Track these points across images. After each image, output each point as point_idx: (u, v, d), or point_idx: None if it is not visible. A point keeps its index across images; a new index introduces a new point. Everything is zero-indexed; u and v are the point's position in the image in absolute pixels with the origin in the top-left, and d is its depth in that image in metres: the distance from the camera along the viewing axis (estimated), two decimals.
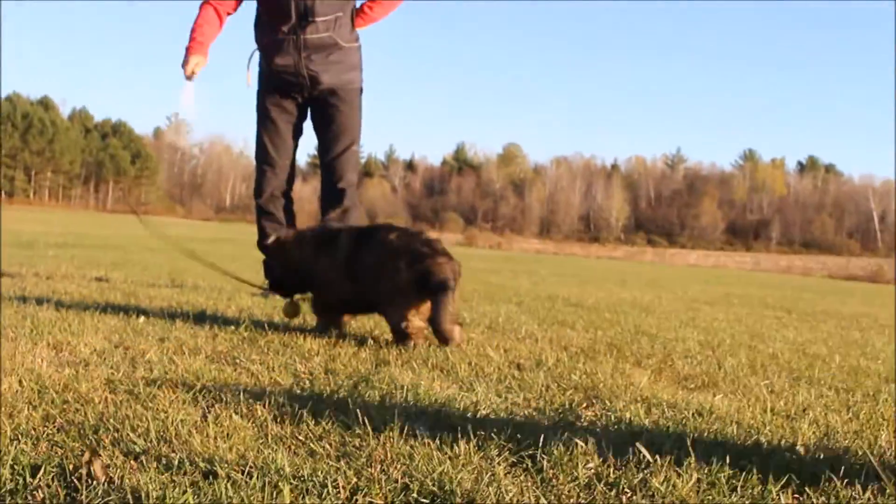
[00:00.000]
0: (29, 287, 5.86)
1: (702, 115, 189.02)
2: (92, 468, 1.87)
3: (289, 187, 6.01)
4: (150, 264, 10.29)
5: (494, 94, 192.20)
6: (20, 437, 2.10)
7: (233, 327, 4.14)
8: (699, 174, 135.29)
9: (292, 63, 5.72)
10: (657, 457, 2.19)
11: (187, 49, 5.72)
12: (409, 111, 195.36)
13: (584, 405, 2.85)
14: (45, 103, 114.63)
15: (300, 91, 5.81)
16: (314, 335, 4.04)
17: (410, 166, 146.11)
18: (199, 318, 4.50)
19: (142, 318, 4.28)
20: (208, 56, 5.79)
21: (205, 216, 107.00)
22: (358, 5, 5.92)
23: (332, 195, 5.83)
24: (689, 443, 2.33)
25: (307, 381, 2.96)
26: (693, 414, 2.83)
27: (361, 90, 5.95)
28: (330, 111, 5.85)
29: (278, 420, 2.39)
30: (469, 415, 2.59)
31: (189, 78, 5.72)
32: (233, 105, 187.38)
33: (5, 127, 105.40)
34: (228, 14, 5.87)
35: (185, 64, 5.67)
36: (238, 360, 3.26)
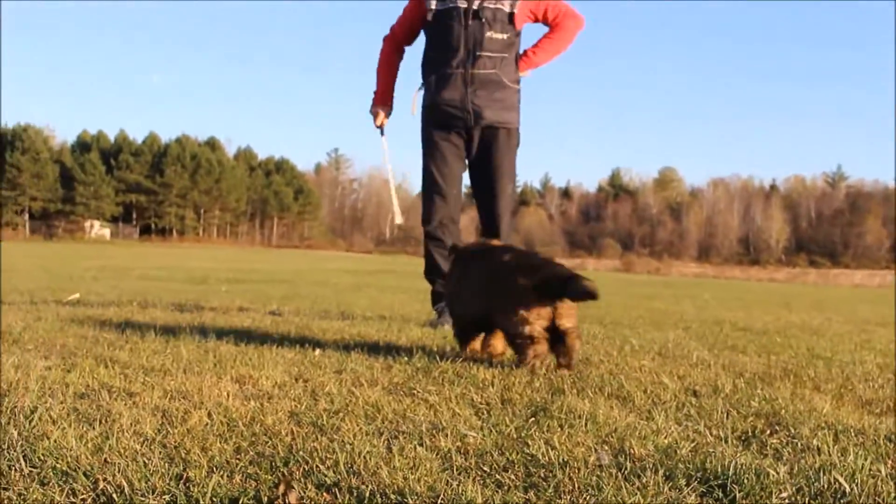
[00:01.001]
0: (207, 321, 6.04)
1: (864, 131, 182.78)
2: (288, 500, 1.90)
3: (457, 217, 6.11)
4: (318, 297, 10.50)
5: (648, 118, 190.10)
6: (215, 469, 2.15)
7: (406, 358, 4.17)
8: (862, 191, 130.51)
9: (458, 97, 5.87)
10: (853, 486, 2.10)
11: (373, 100, 6.22)
12: (564, 138, 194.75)
13: (768, 432, 2.76)
14: (212, 144, 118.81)
15: (464, 125, 5.93)
16: (486, 365, 4.03)
17: (566, 193, 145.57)
18: (373, 349, 4.55)
19: (317, 351, 4.36)
20: (392, 104, 6.27)
21: (365, 249, 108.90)
22: (522, 51, 6.02)
23: (489, 234, 5.93)
24: (884, 472, 2.22)
25: (485, 412, 2.95)
26: (883, 439, 2.70)
27: (519, 133, 6.04)
28: (490, 149, 5.98)
29: (461, 451, 2.38)
30: (651, 444, 2.53)
31: (380, 129, 6.27)
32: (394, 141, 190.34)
33: (175, 168, 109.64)
34: (407, 46, 6.17)
35: (373, 115, 6.22)
36: (415, 391, 3.27)
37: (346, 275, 24.56)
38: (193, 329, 5.33)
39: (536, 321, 3.85)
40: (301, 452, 2.31)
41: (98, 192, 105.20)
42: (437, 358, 4.22)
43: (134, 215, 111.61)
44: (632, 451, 2.41)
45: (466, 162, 6.08)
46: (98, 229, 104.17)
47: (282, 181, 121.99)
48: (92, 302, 8.50)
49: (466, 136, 5.99)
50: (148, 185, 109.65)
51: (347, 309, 7.66)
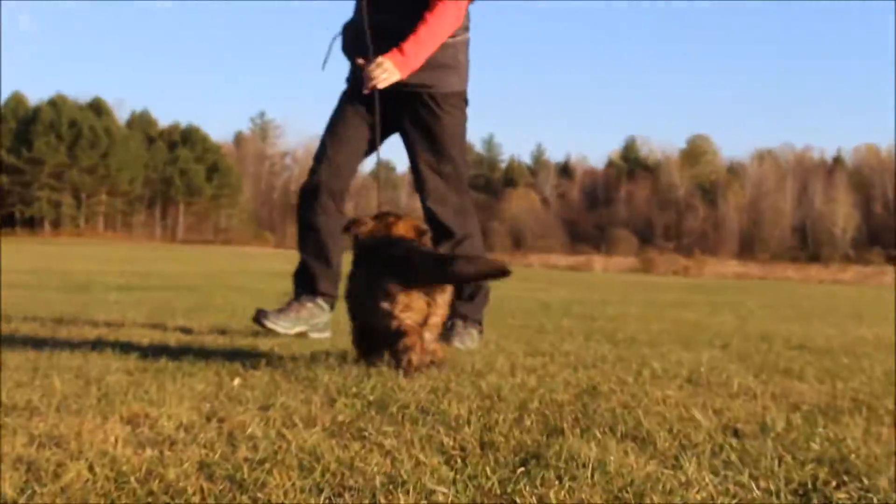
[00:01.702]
0: (90, 342, 5.99)
1: None
2: None
3: (337, 190, 6.60)
4: (238, 308, 10.47)
5: (673, 74, 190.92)
6: None
7: (354, 388, 4.16)
8: None
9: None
10: None
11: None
12: (562, 99, 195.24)
13: (834, 484, 2.77)
14: (98, 107, 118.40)
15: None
16: (460, 398, 4.03)
17: (566, 171, 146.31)
18: (310, 378, 4.53)
19: (237, 381, 4.34)
20: None
21: None
22: None
23: (437, 227, 6.34)
24: None
25: (459, 459, 2.94)
26: None
27: (463, 98, 6.38)
28: (422, 118, 6.31)
29: None
30: (679, 500, 2.53)
31: None
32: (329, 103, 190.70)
33: (48, 139, 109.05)
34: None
35: None
36: (366, 433, 3.26)
37: (275, 278, 24.45)
38: (71, 353, 5.30)
39: (404, 313, 4.55)
40: None
41: None
42: (395, 388, 4.21)
43: None
44: None
45: (379, 131, 6.38)
46: None
47: (190, 156, 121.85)
48: None
49: (388, 102, 6.20)
50: (11, 162, 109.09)
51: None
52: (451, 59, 6.21)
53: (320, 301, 6.54)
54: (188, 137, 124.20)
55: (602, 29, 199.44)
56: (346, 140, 6.43)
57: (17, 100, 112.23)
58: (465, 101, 6.45)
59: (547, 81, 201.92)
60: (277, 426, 3.35)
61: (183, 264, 30.51)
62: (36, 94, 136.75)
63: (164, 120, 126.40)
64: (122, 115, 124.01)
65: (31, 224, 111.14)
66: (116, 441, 3.03)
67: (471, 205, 6.56)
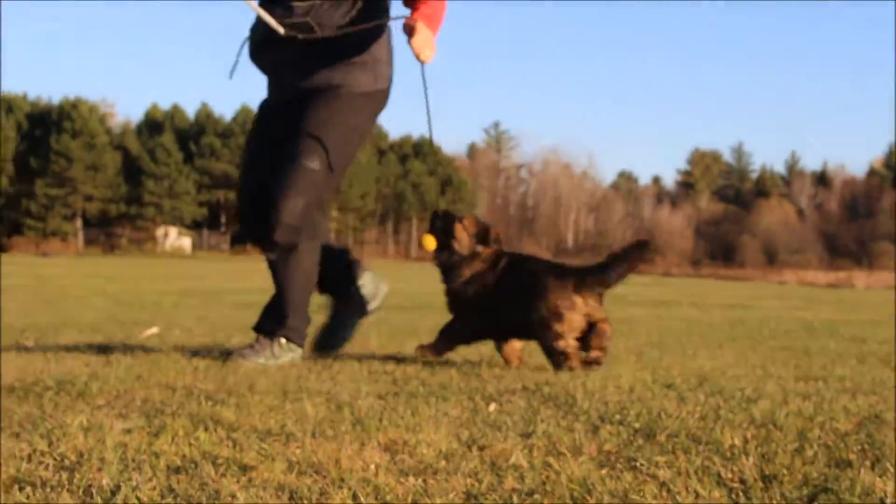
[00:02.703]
0: (336, 366, 6.11)
1: None
2: None
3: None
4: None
5: None
6: None
7: (617, 415, 4.14)
8: None
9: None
10: None
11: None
12: (819, 104, 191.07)
13: None
14: None
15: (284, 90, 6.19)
16: (732, 425, 3.97)
17: (822, 180, 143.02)
18: (569, 403, 4.53)
19: (493, 406, 4.36)
20: None
21: None
22: None
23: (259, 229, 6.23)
24: None
25: (740, 492, 2.89)
26: None
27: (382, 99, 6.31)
28: (318, 113, 6.08)
29: None
30: None
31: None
32: (571, 104, 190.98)
33: None
34: None
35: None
36: (636, 463, 3.23)
37: None
38: (318, 375, 5.40)
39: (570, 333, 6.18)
40: None
41: (174, 189, 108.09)
42: (662, 415, 4.18)
43: (222, 219, 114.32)
44: None
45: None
46: (175, 239, 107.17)
47: (423, 169, 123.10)
48: (175, 338, 8.71)
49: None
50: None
51: (526, 345, 7.66)
52: (366, 54, 6.01)
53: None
54: (420, 150, 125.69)
55: (856, 24, 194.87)
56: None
57: (245, 113, 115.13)
58: (381, 102, 6.27)
59: (800, 85, 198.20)
60: (541, 454, 3.35)
61: (419, 282, 30.81)
62: None
63: (394, 132, 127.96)
64: None
65: None
66: (377, 469, 3.07)
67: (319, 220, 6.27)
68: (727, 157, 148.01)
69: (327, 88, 6.00)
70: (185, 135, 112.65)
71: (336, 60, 5.95)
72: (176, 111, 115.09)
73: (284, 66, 6.04)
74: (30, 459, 3.06)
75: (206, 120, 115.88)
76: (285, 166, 5.92)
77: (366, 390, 4.83)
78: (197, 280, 37.30)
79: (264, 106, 6.38)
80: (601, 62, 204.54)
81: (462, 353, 6.81)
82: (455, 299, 6.38)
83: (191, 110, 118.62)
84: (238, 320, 11.95)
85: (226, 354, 6.27)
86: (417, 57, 5.68)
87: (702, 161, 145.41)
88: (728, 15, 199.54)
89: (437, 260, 6.37)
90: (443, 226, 6.32)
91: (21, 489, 2.78)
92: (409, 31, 5.59)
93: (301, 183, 5.88)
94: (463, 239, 6.25)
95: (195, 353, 6.72)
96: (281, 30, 5.48)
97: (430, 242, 6.32)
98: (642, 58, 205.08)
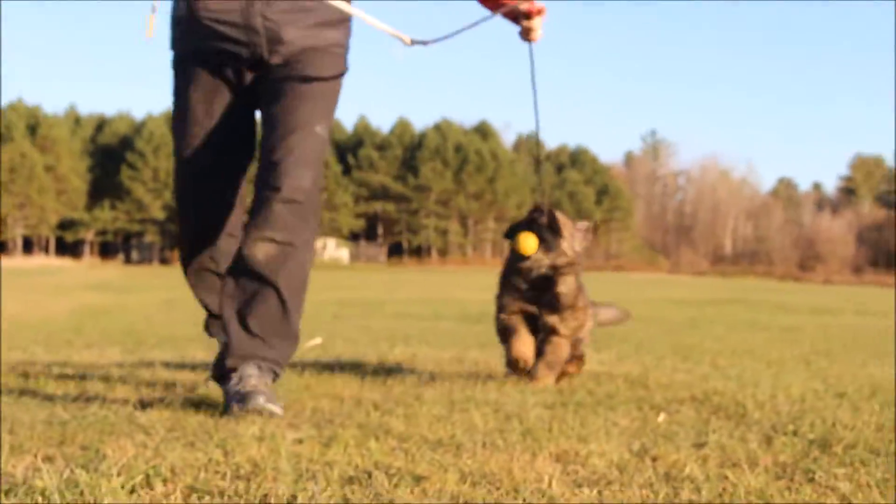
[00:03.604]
0: (497, 375, 6.10)
1: None
2: None
3: (228, 223, 5.18)
4: (645, 338, 10.45)
5: None
6: None
7: (791, 426, 4.08)
8: None
9: (238, 7, 4.71)
10: None
11: None
12: None
13: None
14: (484, 130, 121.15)
15: (248, 53, 4.78)
16: None
17: None
18: (738, 412, 4.47)
19: (662, 416, 4.32)
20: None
21: (698, 269, 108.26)
22: None
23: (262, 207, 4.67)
24: None
25: None
26: None
27: (346, 61, 5.00)
28: (296, 88, 4.82)
29: None
30: None
31: None
32: (730, 110, 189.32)
33: (434, 164, 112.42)
34: None
35: None
36: (814, 475, 3.16)
37: (673, 306, 24.43)
38: (484, 385, 5.41)
39: None
40: None
41: (332, 201, 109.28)
42: (837, 426, 4.10)
43: (380, 230, 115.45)
44: None
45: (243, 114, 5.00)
46: (333, 250, 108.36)
47: (579, 178, 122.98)
48: (338, 348, 8.80)
49: (252, 69, 4.82)
50: (398, 190, 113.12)
51: (686, 353, 7.62)
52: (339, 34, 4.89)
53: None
54: (576, 159, 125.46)
55: None
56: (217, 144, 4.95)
57: (402, 126, 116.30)
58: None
59: None
60: (715, 465, 3.30)
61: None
62: (421, 120, 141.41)
63: (551, 142, 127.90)
64: (508, 139, 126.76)
65: (419, 252, 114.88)
66: (550, 480, 3.04)
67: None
68: (890, 162, 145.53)
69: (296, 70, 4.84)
70: (344, 147, 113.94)
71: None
72: (335, 126, 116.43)
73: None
74: (206, 469, 3.09)
75: (363, 132, 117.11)
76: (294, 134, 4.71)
77: (532, 401, 4.81)
78: (355, 290, 37.67)
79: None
80: (761, 66, 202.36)
81: (627, 365, 6.76)
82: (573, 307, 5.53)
83: (349, 123, 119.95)
84: (399, 330, 12.04)
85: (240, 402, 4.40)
86: (530, 37, 5.18)
87: (864, 166, 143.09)
88: (884, 18, 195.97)
89: (536, 263, 5.46)
90: (549, 223, 5.47)
91: (200, 498, 2.82)
92: (530, 14, 5.15)
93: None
94: (574, 237, 5.56)
95: (359, 363, 6.78)
96: (407, 40, 4.94)
97: (532, 243, 5.42)
98: (803, 62, 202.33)
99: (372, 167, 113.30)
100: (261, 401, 4.31)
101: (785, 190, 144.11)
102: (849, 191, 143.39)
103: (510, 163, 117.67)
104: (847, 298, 34.64)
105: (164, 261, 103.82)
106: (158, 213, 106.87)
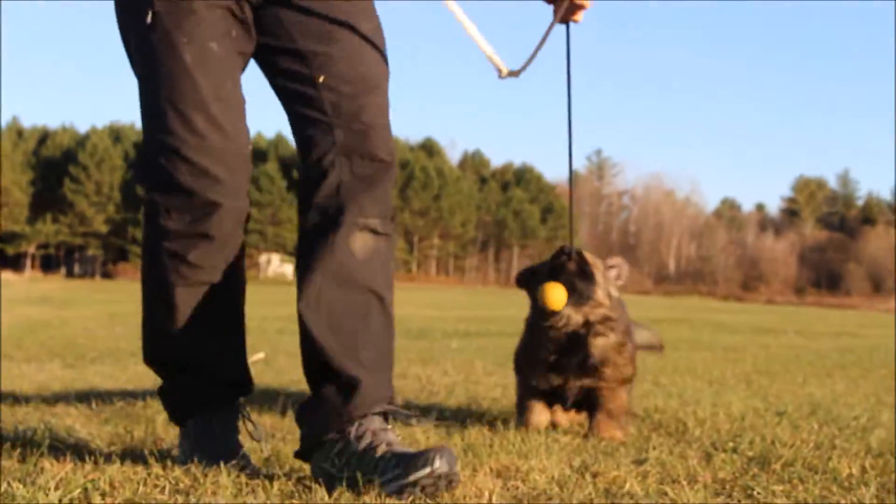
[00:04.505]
0: (440, 391, 6.12)
1: None
2: None
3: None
4: None
5: None
6: None
7: (730, 443, 4.12)
8: None
9: None
10: None
11: None
12: None
13: None
14: (429, 147, 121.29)
15: None
16: (849, 455, 3.92)
17: None
18: (679, 431, 4.50)
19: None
20: None
21: (641, 288, 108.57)
22: None
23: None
24: None
25: None
26: None
27: None
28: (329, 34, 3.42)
29: None
30: None
31: None
32: (674, 131, 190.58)
33: None
34: None
35: None
36: (753, 492, 3.19)
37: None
38: (426, 402, 5.41)
39: None
40: None
41: (277, 216, 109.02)
42: (776, 444, 4.14)
43: None
44: None
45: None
46: (278, 265, 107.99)
47: (524, 196, 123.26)
48: (281, 363, 8.78)
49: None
50: None
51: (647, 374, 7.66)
52: None
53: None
54: (522, 177, 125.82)
55: None
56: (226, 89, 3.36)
57: None
58: None
59: None
60: (655, 482, 3.32)
61: (521, 310, 30.81)
62: None
63: (496, 160, 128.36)
64: (453, 156, 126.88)
65: None
66: (490, 495, 3.05)
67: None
68: (832, 184, 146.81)
69: None
70: (289, 162, 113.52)
71: None
72: (280, 140, 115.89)
73: None
74: (145, 483, 3.07)
75: None
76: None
77: (474, 416, 4.82)
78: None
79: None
80: (704, 88, 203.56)
81: None
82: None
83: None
84: None
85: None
86: (575, 18, 4.26)
87: (806, 188, 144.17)
88: (831, 43, 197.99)
89: (566, 319, 4.41)
90: (580, 268, 4.42)
91: None
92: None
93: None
94: (601, 282, 4.49)
95: (302, 379, 6.76)
96: (504, 71, 4.04)
97: (560, 295, 4.28)
98: (746, 84, 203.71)
99: None
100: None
101: (728, 210, 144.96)
102: (791, 212, 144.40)
103: (455, 180, 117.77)
104: (789, 319, 34.86)
105: (106, 275, 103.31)
106: (101, 227, 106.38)
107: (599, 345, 4.39)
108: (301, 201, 3.45)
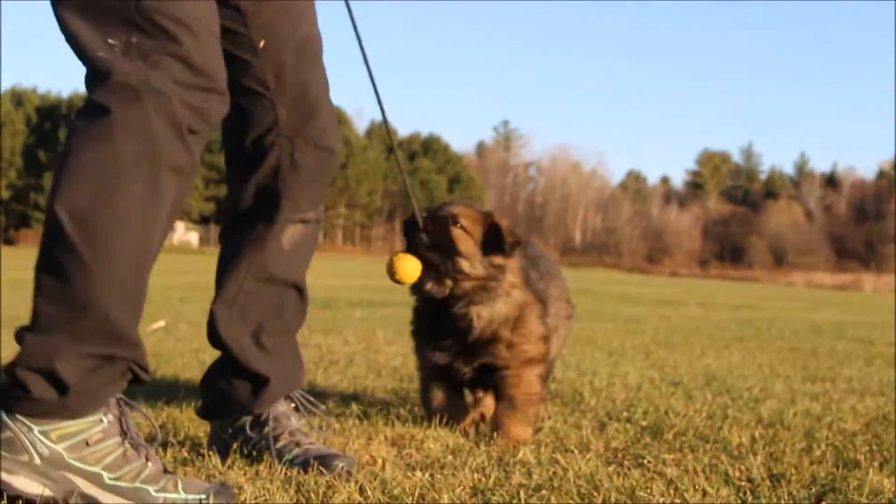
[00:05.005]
0: (340, 359, 6.12)
1: None
2: None
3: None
4: None
5: None
6: None
7: (625, 413, 4.16)
8: None
9: None
10: None
11: None
12: (829, 105, 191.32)
13: None
14: (336, 116, 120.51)
15: None
16: (740, 425, 3.98)
17: (832, 182, 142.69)
18: (576, 401, 4.54)
19: None
20: None
21: None
22: None
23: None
24: None
25: (747, 491, 2.89)
26: None
27: None
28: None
29: None
30: None
31: None
32: (581, 103, 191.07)
33: None
34: None
35: None
36: (644, 461, 3.24)
37: None
38: (326, 371, 5.41)
39: None
40: None
41: None
42: (669, 413, 4.19)
43: None
44: None
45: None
46: (182, 233, 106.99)
47: (432, 166, 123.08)
48: (182, 331, 8.73)
49: None
50: None
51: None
52: None
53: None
54: (429, 147, 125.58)
55: (868, 25, 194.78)
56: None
57: None
58: None
59: (810, 86, 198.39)
60: (549, 451, 3.35)
61: None
62: None
63: (403, 129, 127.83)
64: (360, 125, 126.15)
65: None
66: (384, 463, 3.07)
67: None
68: (736, 157, 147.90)
69: None
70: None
71: None
72: None
73: None
74: None
75: None
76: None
77: (374, 386, 4.83)
78: (203, 274, 37.21)
79: None
80: (611, 61, 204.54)
81: None
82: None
83: None
84: None
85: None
86: None
87: (711, 161, 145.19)
88: (737, 15, 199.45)
89: (426, 295, 3.93)
90: (436, 233, 3.88)
91: None
92: None
93: None
94: (469, 252, 3.88)
95: (200, 349, 6.73)
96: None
97: (412, 266, 3.76)
98: (652, 58, 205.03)
99: (221, 150, 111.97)
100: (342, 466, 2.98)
101: (634, 182, 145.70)
102: (696, 185, 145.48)
103: (362, 149, 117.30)
104: (691, 291, 35.19)
105: (8, 241, 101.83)
106: (3, 193, 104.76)
107: (476, 319, 3.81)
108: (236, 176, 3.36)
